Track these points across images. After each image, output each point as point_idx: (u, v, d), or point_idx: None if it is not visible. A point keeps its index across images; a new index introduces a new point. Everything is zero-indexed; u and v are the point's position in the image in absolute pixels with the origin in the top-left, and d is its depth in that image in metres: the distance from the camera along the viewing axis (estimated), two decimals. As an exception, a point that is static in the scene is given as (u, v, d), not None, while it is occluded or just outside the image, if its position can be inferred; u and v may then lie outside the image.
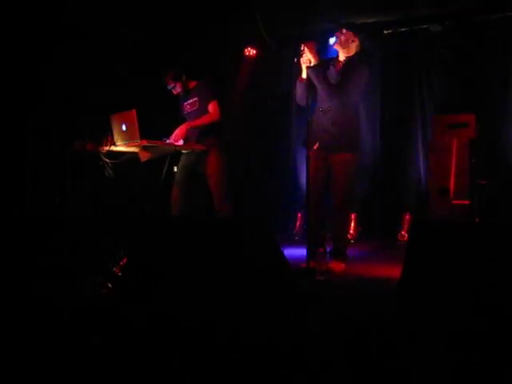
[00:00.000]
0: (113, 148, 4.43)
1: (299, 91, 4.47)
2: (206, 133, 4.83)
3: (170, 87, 4.96)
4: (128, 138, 4.43)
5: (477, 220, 5.10)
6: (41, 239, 4.30)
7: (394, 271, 3.62)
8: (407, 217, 6.06)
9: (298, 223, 6.74)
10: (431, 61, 6.36)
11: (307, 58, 4.32)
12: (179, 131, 4.72)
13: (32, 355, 2.31)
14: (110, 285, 3.52)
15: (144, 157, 4.50)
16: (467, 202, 5.29)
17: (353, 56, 4.42)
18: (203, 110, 4.87)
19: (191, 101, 4.99)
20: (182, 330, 2.63)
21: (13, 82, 5.07)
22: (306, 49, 4.26)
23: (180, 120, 5.14)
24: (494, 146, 5.85)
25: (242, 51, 7.09)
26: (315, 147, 4.37)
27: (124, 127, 4.45)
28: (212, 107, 4.83)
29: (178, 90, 4.97)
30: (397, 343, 2.42)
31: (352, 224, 6.22)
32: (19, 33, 5.06)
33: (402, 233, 6.04)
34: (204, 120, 4.81)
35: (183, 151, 4.91)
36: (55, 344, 2.45)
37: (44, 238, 4.31)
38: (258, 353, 2.32)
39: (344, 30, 4.41)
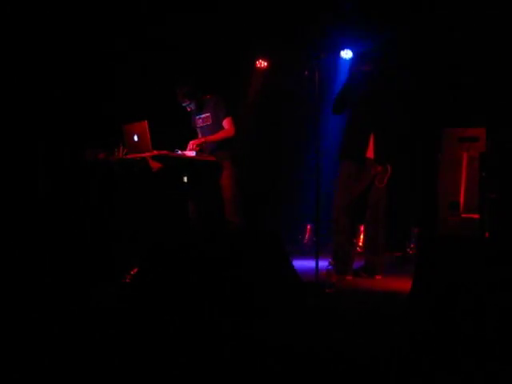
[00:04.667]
0: (124, 157, 4.49)
1: None
2: (219, 146, 4.89)
3: (184, 105, 5.00)
4: (139, 148, 4.49)
5: (487, 235, 5.08)
6: (53, 248, 4.33)
7: (404, 285, 3.62)
8: (416, 230, 6.04)
9: (307, 235, 6.74)
10: (441, 74, 6.37)
11: None
12: (193, 143, 4.78)
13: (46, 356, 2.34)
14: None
15: (155, 167, 4.54)
16: (477, 216, 5.26)
17: None
18: (217, 126, 4.94)
19: (204, 115, 5.04)
20: (196, 341, 2.65)
21: (26, 93, 5.12)
22: None
23: (192, 132, 5.18)
24: (504, 160, 5.83)
25: (254, 63, 7.13)
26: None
27: (136, 138, 4.50)
28: (227, 124, 4.90)
29: (192, 107, 5.02)
30: (406, 356, 2.42)
31: (361, 236, 6.22)
32: (35, 45, 5.13)
33: (411, 246, 6.02)
34: (220, 135, 4.90)
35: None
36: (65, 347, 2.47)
37: (56, 247, 4.35)
38: (269, 363, 2.33)
39: None
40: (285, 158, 7.34)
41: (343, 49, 6.38)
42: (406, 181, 6.49)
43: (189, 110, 5.06)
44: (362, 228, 6.17)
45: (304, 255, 5.91)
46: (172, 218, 4.92)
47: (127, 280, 3.71)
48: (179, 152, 4.77)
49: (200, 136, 5.07)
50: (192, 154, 4.75)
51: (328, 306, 3.57)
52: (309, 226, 6.76)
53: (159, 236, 3.81)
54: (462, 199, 5.32)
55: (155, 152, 4.44)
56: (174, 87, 4.97)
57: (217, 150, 4.90)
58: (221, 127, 4.92)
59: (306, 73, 4.45)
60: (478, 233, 5.04)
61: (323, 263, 4.03)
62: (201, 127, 5.08)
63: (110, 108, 5.48)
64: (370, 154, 4.57)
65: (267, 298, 3.17)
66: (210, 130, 4.96)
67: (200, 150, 4.84)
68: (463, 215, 5.27)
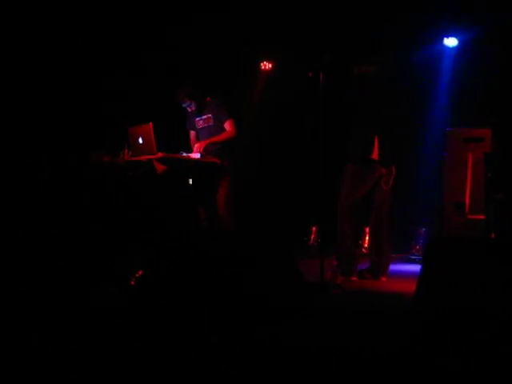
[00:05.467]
0: (129, 159, 4.51)
1: None
2: (220, 148, 4.91)
3: (185, 105, 5.01)
4: (144, 150, 4.50)
5: (493, 235, 5.06)
6: (57, 250, 4.34)
7: (409, 286, 3.61)
8: (422, 231, 6.03)
9: (312, 236, 6.73)
10: (446, 74, 6.36)
11: None
12: (199, 146, 4.80)
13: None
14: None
15: (160, 169, 4.55)
16: (482, 217, 5.24)
17: None
18: (218, 127, 4.96)
19: (205, 117, 5.05)
20: (199, 342, 2.65)
21: (30, 96, 5.14)
22: None
23: (186, 133, 5.20)
24: (510, 160, 5.81)
25: (258, 65, 7.14)
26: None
27: (141, 140, 4.51)
28: (229, 126, 4.93)
29: (193, 107, 5.03)
30: (410, 358, 2.41)
31: (366, 237, 6.21)
32: (38, 47, 5.14)
33: (417, 247, 6.00)
34: (223, 137, 4.94)
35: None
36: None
37: (60, 249, 4.36)
38: (275, 366, 2.33)
39: None
40: (289, 159, 7.33)
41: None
42: (411, 182, 6.48)
43: (190, 110, 5.07)
44: (366, 229, 6.17)
45: (309, 257, 5.91)
46: (179, 220, 4.92)
47: (132, 282, 3.71)
48: (184, 154, 4.78)
49: (199, 137, 5.09)
50: (197, 156, 4.76)
51: (333, 307, 3.57)
52: (314, 228, 6.75)
53: (167, 238, 3.81)
54: (467, 200, 5.30)
55: (160, 154, 4.45)
56: (176, 89, 4.98)
57: (216, 152, 4.92)
58: (222, 128, 4.95)
59: (310, 74, 4.44)
60: (483, 234, 5.02)
61: (328, 265, 4.03)
62: (201, 128, 5.09)
63: (115, 111, 5.49)
64: (375, 156, 4.57)
65: (272, 299, 3.17)
66: (211, 131, 4.98)
67: (207, 152, 4.86)
68: (469, 216, 5.26)
